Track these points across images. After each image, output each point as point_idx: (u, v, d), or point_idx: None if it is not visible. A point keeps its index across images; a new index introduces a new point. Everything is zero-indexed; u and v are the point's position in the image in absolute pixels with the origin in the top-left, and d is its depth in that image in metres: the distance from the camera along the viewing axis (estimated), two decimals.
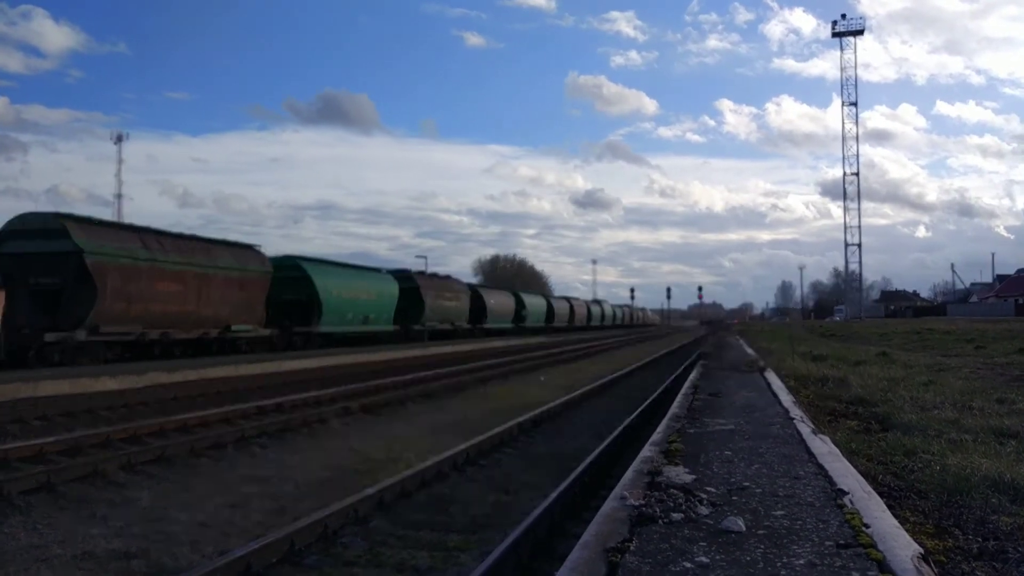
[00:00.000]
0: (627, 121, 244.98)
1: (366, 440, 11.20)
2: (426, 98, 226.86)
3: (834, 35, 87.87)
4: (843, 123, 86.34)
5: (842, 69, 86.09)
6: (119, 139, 75.02)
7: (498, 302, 51.49)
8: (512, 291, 59.66)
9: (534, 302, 60.88)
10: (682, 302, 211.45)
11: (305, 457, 9.87)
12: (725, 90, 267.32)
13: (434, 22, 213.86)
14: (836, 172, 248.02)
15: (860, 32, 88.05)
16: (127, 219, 71.76)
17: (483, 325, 46.41)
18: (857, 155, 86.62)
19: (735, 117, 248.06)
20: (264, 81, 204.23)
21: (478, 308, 46.34)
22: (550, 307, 64.14)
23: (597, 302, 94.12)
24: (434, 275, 43.89)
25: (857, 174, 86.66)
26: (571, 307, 73.19)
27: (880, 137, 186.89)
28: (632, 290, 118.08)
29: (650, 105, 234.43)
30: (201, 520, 6.81)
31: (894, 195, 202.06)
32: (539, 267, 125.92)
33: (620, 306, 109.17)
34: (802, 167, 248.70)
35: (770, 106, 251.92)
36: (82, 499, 7.51)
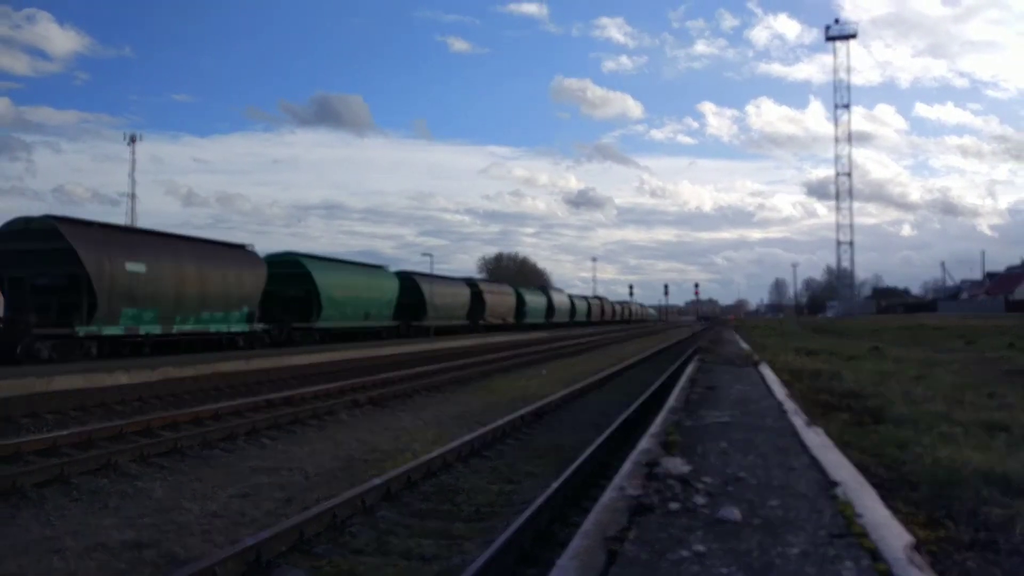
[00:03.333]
0: (614, 124, 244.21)
1: (373, 431, 11.35)
2: (420, 100, 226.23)
3: (827, 39, 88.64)
4: (836, 125, 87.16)
5: (835, 72, 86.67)
6: (132, 140, 74.30)
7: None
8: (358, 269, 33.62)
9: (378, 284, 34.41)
10: (679, 299, 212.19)
11: (314, 448, 10.02)
12: (713, 95, 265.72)
13: (428, 28, 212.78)
14: (820, 172, 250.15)
15: (853, 36, 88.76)
16: (139, 218, 71.78)
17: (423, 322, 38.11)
18: (849, 156, 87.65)
19: (717, 120, 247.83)
20: (258, 83, 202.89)
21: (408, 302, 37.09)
22: (415, 292, 37.93)
23: (542, 290, 67.20)
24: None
25: (849, 174, 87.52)
26: (476, 295, 46.43)
27: (860, 138, 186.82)
28: (631, 287, 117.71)
29: (635, 108, 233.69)
30: (212, 510, 6.95)
31: (878, 194, 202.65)
32: (541, 265, 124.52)
33: (586, 298, 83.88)
34: (788, 168, 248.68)
35: (750, 109, 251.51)
36: (95, 491, 7.61)
